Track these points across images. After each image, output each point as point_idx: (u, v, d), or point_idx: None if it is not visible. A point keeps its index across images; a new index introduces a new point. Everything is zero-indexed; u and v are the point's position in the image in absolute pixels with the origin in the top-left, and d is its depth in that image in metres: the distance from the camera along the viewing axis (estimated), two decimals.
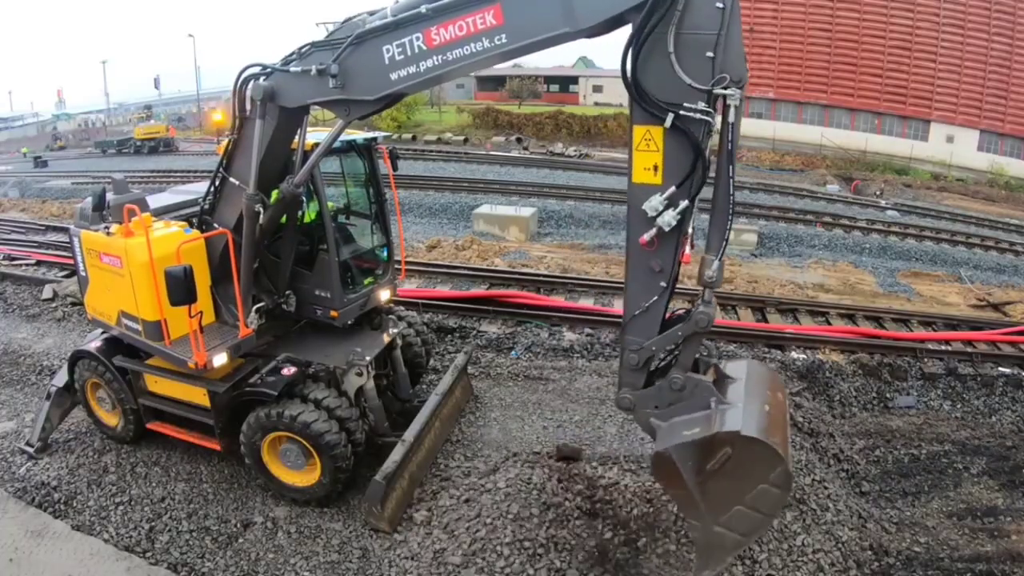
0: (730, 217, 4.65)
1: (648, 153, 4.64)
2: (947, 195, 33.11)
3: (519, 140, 42.42)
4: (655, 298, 4.89)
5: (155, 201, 7.90)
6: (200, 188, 8.68)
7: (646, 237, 4.66)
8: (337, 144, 7.17)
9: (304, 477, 7.07)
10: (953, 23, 38.42)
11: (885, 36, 39.97)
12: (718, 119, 4.48)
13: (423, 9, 5.03)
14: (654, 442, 5.00)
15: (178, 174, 30.90)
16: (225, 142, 6.91)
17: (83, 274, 7.57)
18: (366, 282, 7.92)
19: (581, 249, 18.24)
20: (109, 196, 7.34)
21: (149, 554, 6.68)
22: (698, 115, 4.38)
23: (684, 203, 4.57)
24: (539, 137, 44.62)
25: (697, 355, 5.17)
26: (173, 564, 6.55)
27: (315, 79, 5.60)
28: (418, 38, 5.15)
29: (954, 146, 39.03)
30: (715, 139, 4.67)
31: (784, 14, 42.00)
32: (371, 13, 5.45)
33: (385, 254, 8.24)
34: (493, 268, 15.03)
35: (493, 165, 31.04)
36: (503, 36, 4.88)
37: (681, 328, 4.95)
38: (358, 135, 7.81)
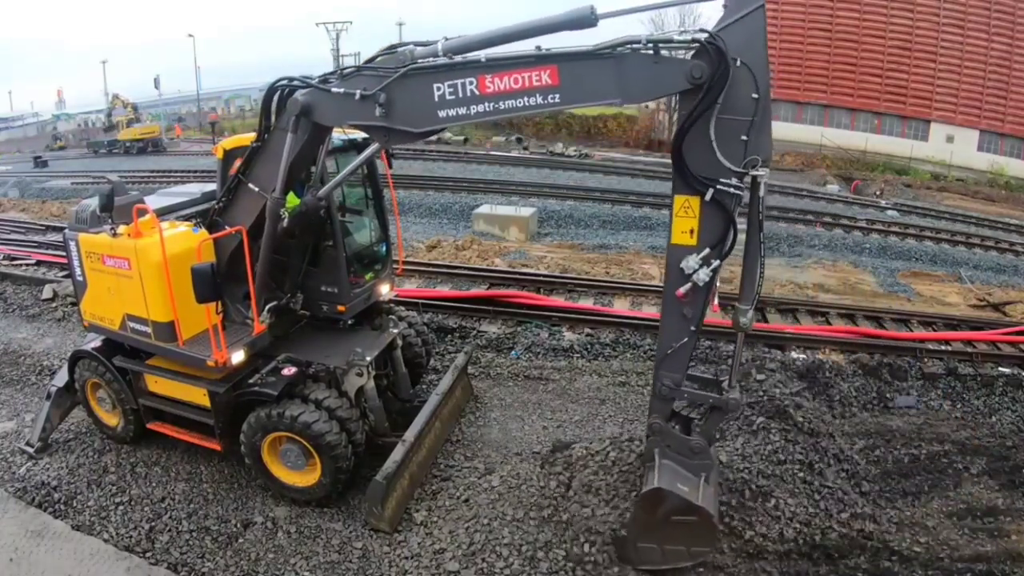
0: (760, 273, 5.35)
1: (686, 219, 5.22)
2: (947, 195, 33.07)
3: (519, 140, 42.38)
4: (684, 340, 5.52)
5: (148, 203, 7.86)
6: (190, 189, 8.68)
7: (682, 291, 5.25)
8: (337, 142, 7.23)
9: (304, 477, 7.07)
10: (953, 23, 38.46)
11: (885, 36, 40.02)
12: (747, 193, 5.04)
13: (482, 58, 5.20)
14: (650, 473, 5.76)
15: (177, 174, 30.87)
16: (222, 143, 6.92)
17: (80, 279, 7.42)
18: (367, 277, 8.08)
19: (581, 249, 18.21)
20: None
21: (149, 554, 6.68)
22: (732, 190, 4.95)
23: (716, 263, 5.19)
24: (539, 137, 44.66)
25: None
26: (173, 564, 6.54)
27: (358, 103, 5.64)
28: (471, 82, 5.27)
29: (954, 146, 39.08)
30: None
31: (784, 14, 42.01)
32: (420, 44, 5.51)
33: (384, 249, 8.39)
34: (493, 268, 15.02)
35: (493, 165, 31.00)
36: (556, 96, 5.14)
37: (713, 400, 5.72)
38: (357, 133, 7.82)
